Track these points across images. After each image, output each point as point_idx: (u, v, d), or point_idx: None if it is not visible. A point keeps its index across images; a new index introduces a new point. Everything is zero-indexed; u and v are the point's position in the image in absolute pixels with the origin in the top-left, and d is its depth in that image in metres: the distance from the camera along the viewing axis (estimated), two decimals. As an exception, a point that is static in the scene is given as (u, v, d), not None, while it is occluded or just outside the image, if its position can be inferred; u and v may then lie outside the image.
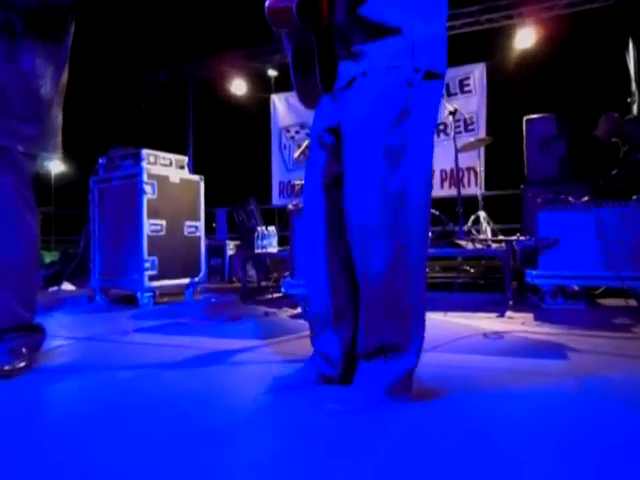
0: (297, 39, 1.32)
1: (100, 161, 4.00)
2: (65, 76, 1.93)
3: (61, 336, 2.39)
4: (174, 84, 8.55)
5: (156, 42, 7.69)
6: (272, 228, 4.30)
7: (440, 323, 2.68)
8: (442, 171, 6.73)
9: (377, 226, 1.26)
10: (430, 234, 3.95)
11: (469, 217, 4.94)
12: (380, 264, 1.26)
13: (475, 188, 5.92)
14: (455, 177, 4.92)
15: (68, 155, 2.00)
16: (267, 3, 1.28)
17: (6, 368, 1.65)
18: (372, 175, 1.27)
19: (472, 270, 4.32)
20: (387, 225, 1.26)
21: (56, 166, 13.25)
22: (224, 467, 0.98)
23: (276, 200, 7.69)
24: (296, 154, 4.97)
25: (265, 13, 1.28)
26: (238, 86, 8.09)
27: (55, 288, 4.74)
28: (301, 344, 2.18)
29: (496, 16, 6.86)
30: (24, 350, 1.76)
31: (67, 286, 5.15)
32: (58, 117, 1.91)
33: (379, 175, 1.26)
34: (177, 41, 7.71)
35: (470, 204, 5.33)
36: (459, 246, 3.65)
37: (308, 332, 2.46)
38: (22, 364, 1.71)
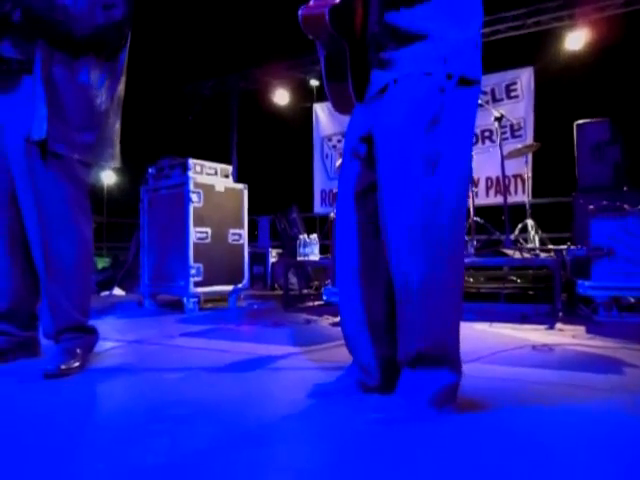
0: (330, 46, 1.33)
1: (150, 171, 4.16)
2: (121, 87, 2.03)
3: (112, 339, 2.49)
4: (219, 96, 8.81)
5: (202, 56, 7.97)
6: (314, 236, 4.33)
7: (485, 334, 2.61)
8: (488, 179, 6.57)
9: (413, 233, 1.25)
10: (475, 243, 3.86)
11: (516, 226, 4.79)
12: (417, 271, 1.25)
13: (522, 196, 5.74)
14: (501, 185, 4.79)
15: (119, 166, 2.11)
16: (300, 11, 1.30)
17: (62, 367, 1.74)
18: (406, 182, 1.26)
19: (519, 280, 4.18)
20: (423, 231, 1.25)
21: (108, 177, 13.91)
22: (265, 471, 0.99)
23: (318, 208, 7.74)
24: (338, 163, 4.99)
25: (299, 21, 1.31)
26: (281, 96, 8.24)
27: (107, 293, 4.95)
28: (341, 352, 2.17)
29: (544, 18, 6.67)
30: (78, 351, 1.85)
31: (118, 291, 5.38)
32: (115, 127, 2.01)
33: (413, 182, 1.25)
34: (222, 54, 7.96)
35: (517, 212, 5.17)
36: (506, 255, 3.54)
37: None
38: (76, 364, 1.80)
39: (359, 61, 1.31)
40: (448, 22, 1.26)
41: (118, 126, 2.03)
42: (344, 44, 1.28)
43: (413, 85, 1.26)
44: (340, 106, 1.42)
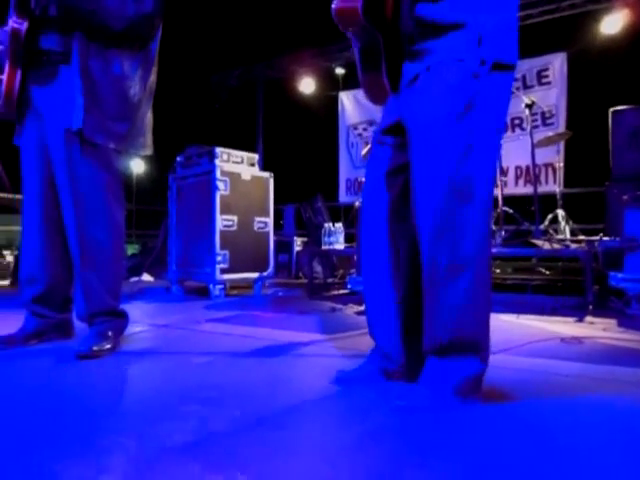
0: (364, 38, 1.34)
1: (178, 159, 4.23)
2: (153, 78, 2.07)
3: (141, 322, 2.56)
4: (245, 85, 8.84)
5: (229, 45, 8.00)
6: (339, 225, 4.32)
7: (512, 325, 2.57)
8: (517, 167, 6.42)
9: (443, 218, 1.25)
10: (503, 233, 3.79)
11: (546, 216, 4.68)
12: (445, 257, 1.24)
13: (553, 185, 5.59)
14: (531, 174, 4.67)
15: (151, 154, 2.14)
16: (334, 4, 1.30)
17: (94, 349, 1.80)
18: (438, 167, 1.25)
19: (548, 272, 4.09)
20: (452, 218, 1.24)
21: (137, 165, 14.17)
22: (291, 453, 1.00)
23: (343, 197, 7.72)
24: (363, 151, 4.96)
25: (332, 14, 1.31)
26: (307, 85, 8.20)
27: (136, 278, 5.08)
28: (366, 340, 2.17)
29: (579, 1, 6.42)
30: (110, 333, 1.91)
31: (146, 277, 5.51)
32: (147, 116, 2.05)
33: (445, 167, 1.24)
34: (248, 43, 7.98)
35: (548, 202, 5.04)
36: (535, 246, 3.46)
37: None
38: (108, 346, 1.86)
39: (393, 52, 1.31)
40: (482, 6, 1.24)
41: (150, 115, 2.07)
42: (377, 35, 1.29)
43: (445, 72, 1.25)
44: (374, 97, 1.42)
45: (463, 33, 1.24)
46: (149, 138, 2.07)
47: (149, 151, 2.08)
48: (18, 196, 2.11)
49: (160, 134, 2.18)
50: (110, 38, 1.87)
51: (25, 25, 1.80)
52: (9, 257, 5.28)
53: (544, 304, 3.15)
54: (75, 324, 2.11)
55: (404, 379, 1.41)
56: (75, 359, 1.76)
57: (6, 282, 5.17)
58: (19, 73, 1.84)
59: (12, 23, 1.78)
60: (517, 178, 6.43)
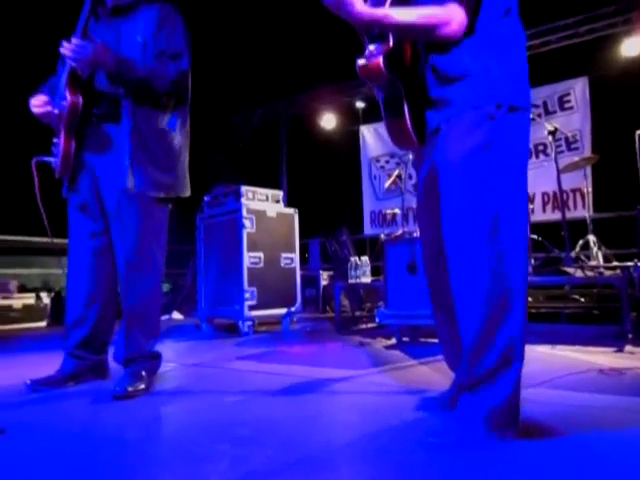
0: (386, 88, 1.41)
1: (205, 199, 4.35)
2: (188, 124, 2.19)
3: (173, 361, 2.59)
4: (268, 122, 9.09)
5: (250, 85, 8.26)
6: (365, 258, 4.33)
7: (547, 357, 2.49)
8: (544, 194, 6.33)
9: (472, 253, 1.28)
10: (533, 261, 3.72)
11: (577, 242, 4.57)
12: (481, 290, 1.27)
13: (582, 211, 5.49)
14: (559, 200, 4.61)
15: (189, 195, 2.24)
16: (358, 62, 1.37)
17: (129, 390, 1.84)
18: (464, 207, 1.30)
19: (582, 299, 3.97)
20: (482, 252, 1.27)
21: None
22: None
23: (368, 230, 7.73)
24: (387, 184, 4.99)
25: (357, 71, 1.38)
26: (328, 120, 8.38)
27: (166, 317, 5.16)
28: (396, 375, 2.16)
29: (598, 25, 6.44)
30: (144, 374, 1.94)
31: (177, 315, 5.59)
32: (186, 160, 2.16)
33: (470, 205, 1.29)
34: (269, 82, 8.22)
35: (577, 228, 4.94)
36: (566, 274, 3.39)
37: (403, 363, 2.44)
38: (142, 386, 1.89)
39: (414, 99, 1.39)
40: (491, 58, 1.32)
41: (187, 158, 2.18)
42: (399, 85, 1.37)
43: (464, 119, 1.33)
44: (399, 141, 1.49)
45: (476, 81, 1.32)
46: (188, 179, 2.18)
47: (189, 192, 2.18)
48: (56, 240, 2.22)
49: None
50: (157, 99, 2.00)
51: (81, 99, 1.95)
52: (46, 299, 5.44)
53: (580, 333, 3.05)
54: (110, 364, 2.16)
55: None
56: (111, 400, 1.80)
57: (43, 323, 5.32)
58: (73, 139, 1.98)
59: (70, 97, 1.92)
60: (544, 205, 6.33)
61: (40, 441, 1.39)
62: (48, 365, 2.15)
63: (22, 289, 5.66)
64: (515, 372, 1.26)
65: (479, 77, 1.31)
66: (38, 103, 2.01)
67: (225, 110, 8.90)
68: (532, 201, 6.26)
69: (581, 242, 4.54)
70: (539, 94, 6.56)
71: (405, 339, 3.20)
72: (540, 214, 6.25)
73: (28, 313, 5.24)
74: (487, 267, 1.26)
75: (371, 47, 1.36)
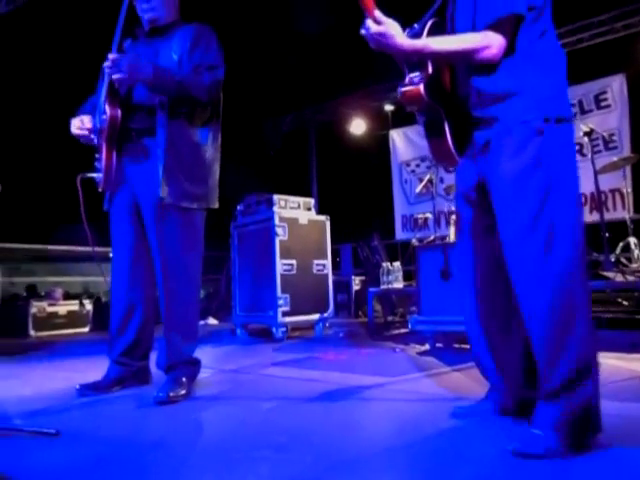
0: (427, 112, 1.47)
1: (238, 208, 4.45)
2: (220, 137, 2.26)
3: (211, 367, 2.66)
4: (297, 129, 9.19)
5: (279, 92, 8.38)
6: (397, 264, 4.33)
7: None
8: (582, 195, 6.16)
9: (533, 266, 1.32)
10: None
11: (616, 245, 4.44)
12: (543, 304, 1.31)
13: (622, 212, 5.31)
14: (596, 201, 4.49)
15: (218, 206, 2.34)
16: (399, 88, 1.43)
17: (171, 395, 1.92)
18: (521, 222, 1.34)
19: (625, 303, 3.84)
20: (542, 266, 1.31)
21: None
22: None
23: (399, 234, 7.70)
24: (418, 188, 4.98)
25: (398, 98, 1.44)
26: (357, 125, 8.40)
27: (202, 322, 5.29)
28: (430, 382, 2.16)
29: (634, 21, 6.25)
30: (184, 380, 2.02)
31: (212, 320, 5.73)
32: (217, 173, 2.24)
33: (527, 222, 1.34)
34: (298, 89, 8.31)
35: (617, 230, 4.79)
36: (606, 278, 3.29)
37: (436, 370, 2.44)
38: (183, 392, 1.97)
39: (454, 119, 1.45)
40: (536, 74, 1.38)
41: (218, 171, 2.25)
42: (439, 108, 1.43)
43: (514, 134, 1.37)
44: (441, 158, 1.55)
45: (522, 98, 1.37)
46: (217, 192, 2.25)
47: (217, 204, 2.25)
48: (97, 249, 2.33)
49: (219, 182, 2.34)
50: (190, 108, 2.08)
51: (120, 112, 2.05)
52: (88, 306, 5.67)
53: (621, 340, 2.96)
54: (152, 369, 2.25)
55: (516, 415, 1.47)
56: (154, 405, 1.88)
57: (86, 329, 5.55)
58: (114, 153, 2.08)
59: (109, 110, 2.03)
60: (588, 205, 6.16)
61: (90, 445, 1.47)
62: (93, 370, 2.26)
63: (66, 296, 5.91)
64: (590, 381, 1.28)
65: (524, 94, 1.37)
66: (78, 124, 2.12)
67: (255, 118, 9.05)
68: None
69: (621, 244, 4.40)
70: (574, 93, 6.40)
71: (439, 345, 3.19)
72: (585, 215, 6.09)
73: (72, 319, 5.48)
74: (549, 280, 1.30)
75: (411, 75, 1.42)
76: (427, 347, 3.18)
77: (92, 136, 2.11)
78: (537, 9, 1.37)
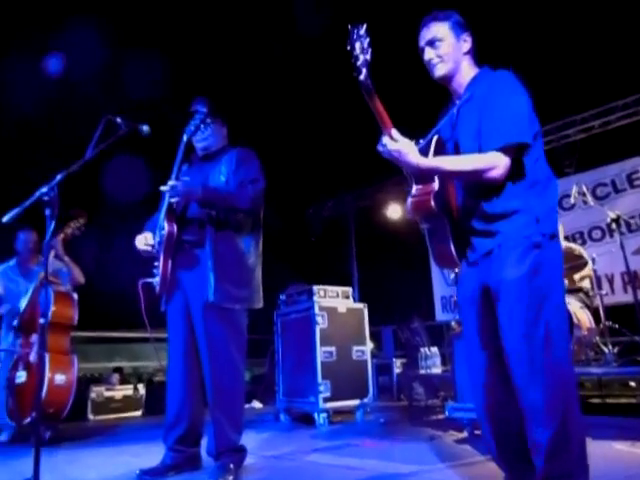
0: (431, 221, 1.64)
1: (281, 297, 4.77)
2: (261, 244, 2.60)
3: (256, 454, 2.82)
4: (337, 216, 9.67)
5: (320, 180, 8.98)
6: (434, 349, 4.44)
7: (627, 455, 2.42)
8: (623, 274, 6.10)
9: (537, 356, 1.49)
10: (610, 348, 3.63)
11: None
12: (543, 393, 1.46)
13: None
14: (632, 281, 4.51)
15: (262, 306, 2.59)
16: (409, 199, 1.61)
17: (218, 481, 2.11)
18: (525, 321, 1.51)
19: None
20: (544, 353, 1.48)
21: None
22: None
23: (439, 315, 7.73)
24: (452, 275, 5.16)
25: (408, 207, 1.61)
26: (394, 210, 8.78)
27: (247, 406, 5.43)
28: (463, 472, 2.24)
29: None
30: (232, 466, 2.21)
31: (257, 404, 5.86)
32: (259, 276, 2.54)
33: (530, 319, 1.52)
34: (338, 177, 8.89)
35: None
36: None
37: (471, 459, 2.50)
38: (230, 478, 2.15)
39: (457, 230, 1.65)
40: (533, 196, 1.58)
41: (260, 274, 2.56)
42: (444, 218, 1.61)
43: (515, 247, 1.56)
44: (442, 263, 1.75)
45: (523, 215, 1.57)
46: (261, 293, 2.54)
47: (261, 304, 2.54)
48: (150, 335, 2.64)
49: (263, 271, 2.61)
50: (236, 219, 2.42)
51: (175, 228, 2.43)
52: (142, 390, 5.95)
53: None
54: (202, 455, 2.45)
55: None
56: (206, 490, 2.07)
57: (139, 413, 5.80)
58: (170, 262, 2.44)
59: (167, 227, 2.41)
60: (625, 284, 6.09)
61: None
62: (149, 454, 2.49)
63: (122, 381, 6.24)
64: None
65: (525, 212, 1.57)
66: (143, 241, 2.47)
67: (298, 206, 9.64)
68: (611, 281, 6.08)
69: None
70: (606, 173, 6.59)
71: (477, 432, 3.21)
72: (621, 294, 6.01)
73: (127, 403, 5.75)
74: (549, 373, 1.47)
75: (420, 187, 1.58)
76: (465, 434, 3.21)
77: (154, 251, 2.45)
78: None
